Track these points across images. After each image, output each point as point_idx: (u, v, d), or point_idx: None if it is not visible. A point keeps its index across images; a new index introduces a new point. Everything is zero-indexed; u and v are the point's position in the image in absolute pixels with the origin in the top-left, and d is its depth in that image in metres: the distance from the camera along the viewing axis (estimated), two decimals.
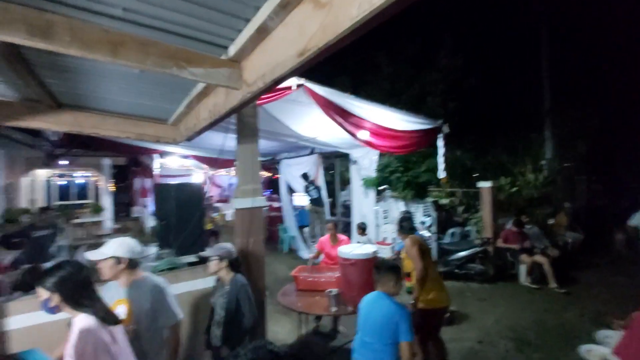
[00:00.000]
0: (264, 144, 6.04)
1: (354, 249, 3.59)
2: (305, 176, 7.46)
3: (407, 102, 9.14)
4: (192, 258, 4.42)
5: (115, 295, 2.04)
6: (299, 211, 8.94)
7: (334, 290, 3.29)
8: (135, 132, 3.30)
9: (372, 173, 6.68)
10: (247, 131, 3.30)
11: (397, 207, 7.06)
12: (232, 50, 1.77)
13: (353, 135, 3.94)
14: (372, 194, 6.81)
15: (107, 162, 9.67)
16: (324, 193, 7.63)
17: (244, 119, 3.25)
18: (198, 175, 12.23)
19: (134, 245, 2.07)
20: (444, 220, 7.05)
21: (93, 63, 2.07)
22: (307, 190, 7.47)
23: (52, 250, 5.71)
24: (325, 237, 4.46)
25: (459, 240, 6.60)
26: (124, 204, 11.23)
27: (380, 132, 3.98)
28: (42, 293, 1.57)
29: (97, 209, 9.25)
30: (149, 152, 8.67)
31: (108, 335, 1.57)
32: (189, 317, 3.32)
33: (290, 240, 8.67)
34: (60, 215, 7.95)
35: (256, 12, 1.47)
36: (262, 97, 2.63)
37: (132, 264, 2.04)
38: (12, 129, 6.23)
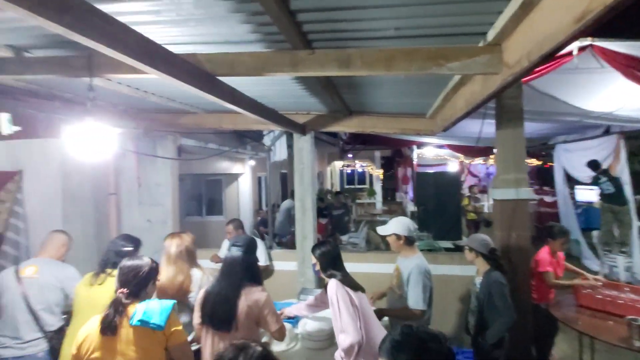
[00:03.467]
0: (530, 127, 5.15)
1: None
2: (594, 164, 5.66)
3: None
4: (448, 244, 4.61)
5: (399, 262, 2.54)
6: (584, 209, 6.96)
7: None
8: (400, 127, 3.85)
9: None
10: (509, 114, 3.02)
11: None
12: (491, 34, 1.73)
13: None
14: None
15: (377, 154, 11.67)
16: (628, 187, 5.48)
17: (505, 102, 3.00)
18: (453, 165, 12.21)
19: (410, 225, 2.48)
20: None
21: (371, 78, 2.65)
22: (596, 183, 5.67)
23: (347, 224, 7.62)
24: (545, 251, 3.24)
25: None
26: (389, 189, 13.11)
27: None
28: (313, 259, 2.22)
29: (372, 193, 11.40)
30: (409, 144, 9.63)
31: (348, 295, 1.99)
32: (443, 298, 3.52)
33: (571, 244, 6.95)
34: (348, 196, 10.48)
35: None
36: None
37: (409, 241, 2.46)
38: (321, 133, 8.83)
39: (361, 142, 9.72)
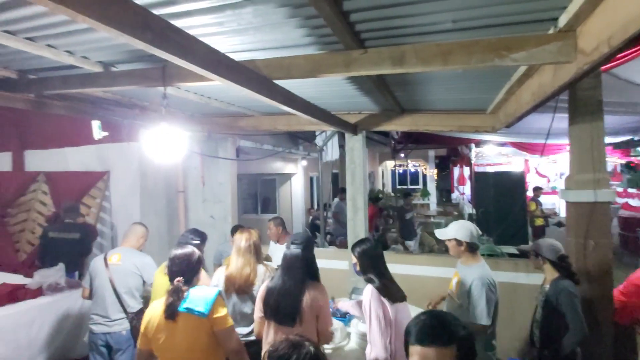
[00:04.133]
0: (612, 121, 4.55)
1: None
2: None
3: None
4: (512, 249, 4.27)
5: (459, 269, 2.39)
6: None
7: None
8: (457, 124, 3.67)
9: None
10: (585, 107, 2.71)
11: None
12: (563, 19, 1.58)
13: None
14: None
15: (431, 153, 11.20)
16: None
17: (580, 93, 2.70)
18: (517, 164, 11.23)
19: (472, 230, 2.30)
20: None
21: (426, 74, 2.56)
22: None
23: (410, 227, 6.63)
24: None
25: None
26: (444, 190, 12.49)
27: None
28: (353, 258, 2.13)
29: (425, 194, 10.98)
30: (466, 142, 9.06)
31: (382, 306, 1.90)
32: (506, 307, 3.26)
33: None
34: (400, 197, 10.20)
35: None
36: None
37: (471, 248, 2.28)
38: (373, 132, 8.72)
39: (414, 141, 9.38)
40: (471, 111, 3.61)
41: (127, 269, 2.68)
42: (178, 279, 1.81)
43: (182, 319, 1.75)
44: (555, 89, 1.93)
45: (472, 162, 10.10)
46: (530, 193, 7.74)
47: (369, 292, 1.95)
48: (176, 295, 1.77)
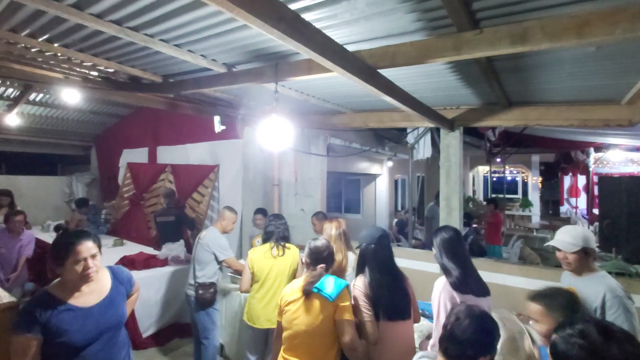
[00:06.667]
0: None
1: None
2: None
3: None
4: None
5: (574, 283, 2.02)
6: None
7: None
8: (579, 118, 3.17)
9: None
10: None
11: None
12: None
13: None
14: None
15: (535, 158, 9.90)
16: None
17: None
18: None
19: (592, 238, 1.97)
20: None
21: (545, 58, 2.30)
22: None
23: None
24: None
25: None
26: (551, 201, 10.86)
27: None
28: (434, 249, 2.02)
29: (526, 204, 9.72)
30: (583, 146, 7.76)
31: (452, 299, 1.79)
32: None
33: None
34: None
35: None
36: None
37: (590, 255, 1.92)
38: (464, 133, 8.09)
39: (514, 144, 8.42)
40: (600, 101, 3.09)
41: (203, 245, 3.04)
42: (321, 265, 1.97)
43: (310, 297, 1.88)
44: None
45: (591, 169, 8.60)
46: None
47: (440, 284, 1.89)
48: (317, 278, 1.91)
